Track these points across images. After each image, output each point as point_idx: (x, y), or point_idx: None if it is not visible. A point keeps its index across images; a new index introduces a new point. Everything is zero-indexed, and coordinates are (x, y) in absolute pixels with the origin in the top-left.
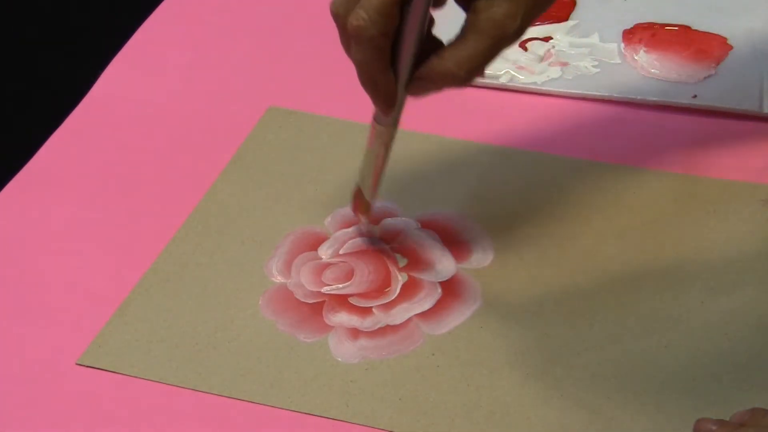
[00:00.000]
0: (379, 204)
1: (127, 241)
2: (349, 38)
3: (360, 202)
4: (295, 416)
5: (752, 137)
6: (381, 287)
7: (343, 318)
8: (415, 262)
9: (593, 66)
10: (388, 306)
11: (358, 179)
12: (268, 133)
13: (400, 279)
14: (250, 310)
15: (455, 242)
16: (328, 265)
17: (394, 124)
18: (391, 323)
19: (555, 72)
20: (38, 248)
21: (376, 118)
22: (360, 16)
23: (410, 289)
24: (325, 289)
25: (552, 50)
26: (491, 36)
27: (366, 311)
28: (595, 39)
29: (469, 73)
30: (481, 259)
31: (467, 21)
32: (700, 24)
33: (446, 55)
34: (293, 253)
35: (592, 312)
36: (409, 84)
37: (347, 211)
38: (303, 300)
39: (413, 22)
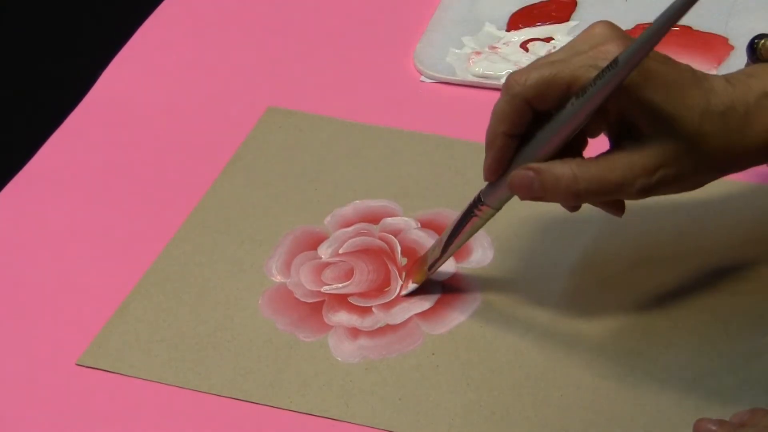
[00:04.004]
0: (379, 204)
1: (127, 241)
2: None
3: (420, 268)
4: (294, 416)
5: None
6: (381, 287)
7: (342, 317)
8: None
9: None
10: (388, 305)
11: (430, 249)
12: (268, 133)
13: (399, 279)
14: (249, 309)
15: None
16: (327, 264)
17: (498, 208)
18: (391, 323)
19: None
20: (38, 248)
21: (482, 196)
22: (522, 73)
23: None
24: (324, 289)
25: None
26: (620, 176)
27: (366, 311)
28: None
29: (578, 193)
30: (481, 259)
31: (611, 152)
32: (700, 24)
33: (572, 164)
34: (293, 252)
35: (592, 312)
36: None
37: (347, 210)
38: (303, 299)
39: (563, 120)
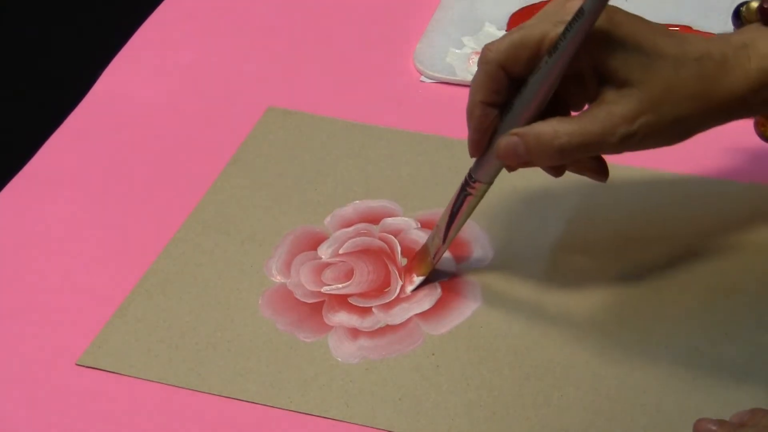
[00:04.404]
0: (379, 204)
1: (127, 241)
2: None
3: (422, 261)
4: (294, 416)
5: (752, 138)
6: (381, 287)
7: (342, 318)
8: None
9: None
10: (388, 306)
11: (429, 238)
12: (268, 133)
13: (399, 279)
14: (249, 309)
15: (455, 242)
16: (327, 264)
17: (490, 182)
18: (391, 323)
19: None
20: (38, 248)
21: (472, 173)
22: (494, 42)
23: None
24: (324, 289)
25: None
26: (600, 126)
27: (366, 311)
28: None
29: (562, 148)
30: (481, 259)
31: (590, 106)
32: (700, 24)
33: (553, 121)
34: (293, 252)
35: (592, 312)
36: (508, 136)
37: (347, 210)
38: (302, 300)
39: (539, 80)
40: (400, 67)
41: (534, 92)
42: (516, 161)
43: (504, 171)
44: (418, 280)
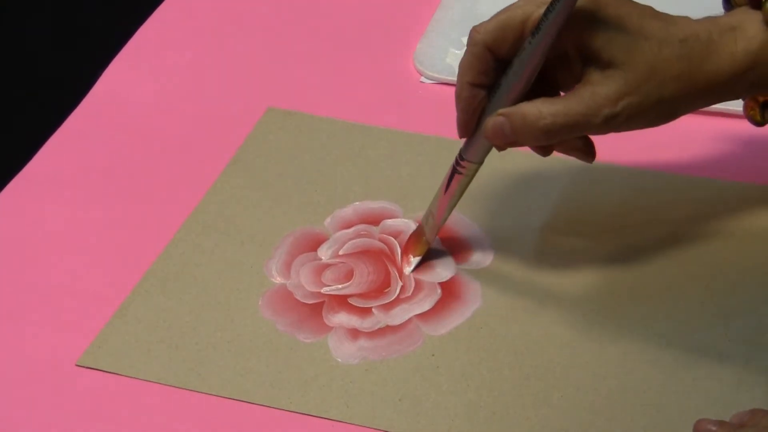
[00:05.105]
0: (379, 205)
1: (127, 241)
2: None
3: (417, 241)
4: (294, 416)
5: (752, 138)
6: (381, 288)
7: (342, 318)
8: None
9: None
10: (388, 306)
11: (423, 218)
12: (268, 133)
13: (399, 280)
14: (249, 310)
15: (455, 242)
16: (327, 265)
17: (480, 162)
18: (391, 324)
19: None
20: (38, 248)
21: (462, 154)
22: (481, 24)
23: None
24: (324, 290)
25: None
26: (584, 107)
27: (366, 311)
28: None
29: (547, 128)
30: (481, 259)
31: (576, 87)
32: None
33: (538, 102)
34: (293, 253)
35: (592, 312)
36: (494, 116)
37: (347, 211)
38: (303, 300)
39: (524, 60)
40: (400, 67)
41: (519, 73)
42: (503, 141)
43: (504, 175)
44: (415, 260)
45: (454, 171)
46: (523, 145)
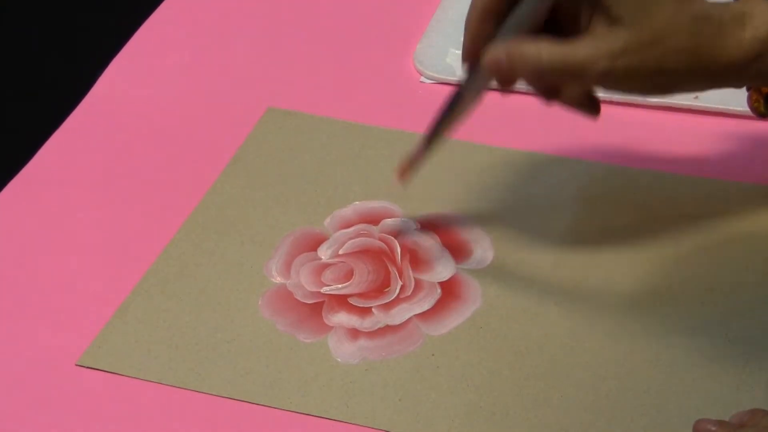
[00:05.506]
0: (379, 205)
1: (127, 241)
2: None
3: (409, 166)
4: (294, 416)
5: (753, 138)
6: (381, 287)
7: (342, 318)
8: (415, 262)
9: None
10: (388, 306)
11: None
12: (268, 133)
13: (399, 280)
14: (249, 310)
15: (455, 242)
16: (327, 265)
17: (478, 90)
18: (391, 323)
19: None
20: (38, 248)
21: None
22: None
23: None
24: (324, 290)
25: None
26: (583, 56)
27: (366, 311)
28: None
29: (541, 68)
30: (481, 259)
31: (580, 35)
32: None
33: (540, 41)
34: (293, 253)
35: (592, 312)
36: (495, 51)
37: (347, 211)
38: (302, 300)
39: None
40: (400, 67)
41: (528, 9)
42: (499, 75)
43: (504, 175)
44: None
45: (455, 92)
46: (517, 80)
